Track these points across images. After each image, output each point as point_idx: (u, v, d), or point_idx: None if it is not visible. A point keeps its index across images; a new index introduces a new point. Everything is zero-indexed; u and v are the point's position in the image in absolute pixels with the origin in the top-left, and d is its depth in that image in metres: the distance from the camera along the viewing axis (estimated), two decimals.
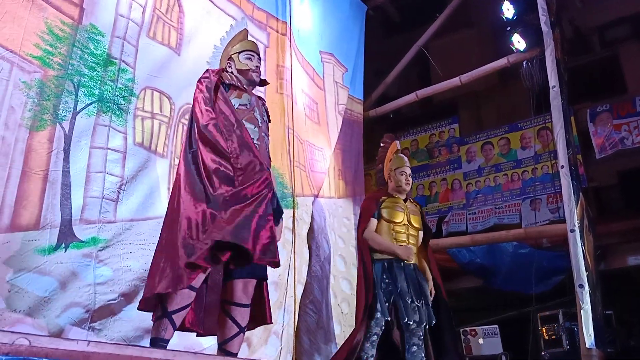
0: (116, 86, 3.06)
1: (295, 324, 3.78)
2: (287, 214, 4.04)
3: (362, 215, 3.61)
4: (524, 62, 5.36)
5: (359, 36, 6.13)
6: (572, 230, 4.42)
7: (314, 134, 4.90)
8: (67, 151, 2.71)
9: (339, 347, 4.37)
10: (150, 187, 3.08)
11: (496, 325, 5.21)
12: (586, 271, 4.31)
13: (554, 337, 5.19)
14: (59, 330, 2.51)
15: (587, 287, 4.23)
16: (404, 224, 3.43)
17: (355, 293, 4.81)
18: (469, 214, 6.50)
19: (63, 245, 2.58)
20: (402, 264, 3.26)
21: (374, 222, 3.46)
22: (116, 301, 2.69)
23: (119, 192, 2.92)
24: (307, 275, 4.12)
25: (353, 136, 5.75)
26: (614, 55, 7.50)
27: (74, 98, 2.81)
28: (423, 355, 3.17)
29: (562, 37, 5.49)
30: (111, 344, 1.38)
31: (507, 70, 5.88)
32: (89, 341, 1.30)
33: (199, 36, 3.72)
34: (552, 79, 4.91)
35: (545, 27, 5.07)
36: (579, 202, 4.66)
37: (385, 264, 3.28)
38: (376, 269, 3.27)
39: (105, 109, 2.98)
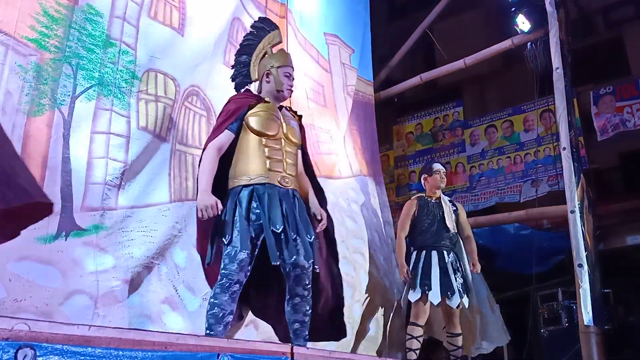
0: (117, 68, 2.87)
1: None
2: None
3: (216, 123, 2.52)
4: (528, 44, 5.17)
5: (365, 18, 5.90)
6: (573, 212, 4.35)
7: (319, 116, 4.72)
8: (66, 137, 2.55)
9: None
10: (152, 173, 2.93)
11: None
12: (585, 251, 4.27)
13: (553, 315, 5.14)
14: (64, 317, 2.37)
15: (586, 267, 4.19)
16: (279, 138, 2.46)
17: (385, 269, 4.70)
18: (472, 196, 6.38)
19: (63, 233, 2.44)
20: (277, 189, 2.35)
21: (226, 135, 2.36)
22: (119, 288, 2.57)
23: (122, 178, 2.76)
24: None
25: (366, 118, 5.59)
26: (618, 37, 7.24)
27: (72, 81, 2.63)
28: (307, 308, 2.34)
29: (567, 18, 5.28)
30: (112, 328, 1.28)
31: (511, 52, 5.68)
32: (90, 325, 1.22)
33: (203, 17, 3.52)
34: (556, 61, 4.76)
35: (549, 8, 4.89)
36: (580, 184, 4.55)
37: (254, 189, 2.34)
38: (241, 194, 2.32)
39: (106, 92, 2.80)
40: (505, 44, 5.46)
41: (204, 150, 2.36)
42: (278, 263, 2.22)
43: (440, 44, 6.31)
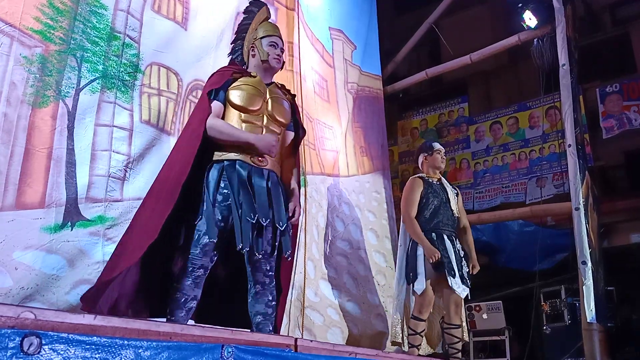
0: (120, 62, 2.86)
1: (304, 299, 3.66)
2: None
3: (199, 101, 2.34)
4: (535, 40, 5.14)
5: (370, 12, 5.84)
6: (577, 209, 4.33)
7: (324, 111, 4.68)
8: (71, 128, 2.55)
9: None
10: (157, 165, 2.92)
11: (500, 301, 5.15)
12: (589, 248, 4.25)
13: (555, 312, 5.12)
14: (69, 307, 2.39)
15: (589, 264, 4.17)
16: (261, 115, 2.26)
17: (390, 265, 4.61)
18: (476, 193, 6.34)
19: (69, 223, 2.45)
20: (249, 168, 2.15)
21: (217, 107, 2.21)
22: None
23: (126, 171, 2.76)
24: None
25: (374, 112, 5.50)
26: (625, 34, 7.18)
27: (77, 74, 2.62)
28: (270, 298, 2.17)
29: (574, 15, 5.22)
30: (118, 317, 1.28)
31: (517, 49, 5.65)
32: (96, 314, 1.22)
33: (206, 11, 3.50)
34: (562, 57, 4.72)
35: (557, 4, 4.86)
36: (585, 181, 4.53)
37: (224, 167, 2.14)
38: (211, 174, 2.15)
39: (109, 85, 2.79)
40: (512, 40, 5.42)
41: (188, 126, 2.24)
42: (240, 247, 2.03)
43: (446, 40, 6.26)
